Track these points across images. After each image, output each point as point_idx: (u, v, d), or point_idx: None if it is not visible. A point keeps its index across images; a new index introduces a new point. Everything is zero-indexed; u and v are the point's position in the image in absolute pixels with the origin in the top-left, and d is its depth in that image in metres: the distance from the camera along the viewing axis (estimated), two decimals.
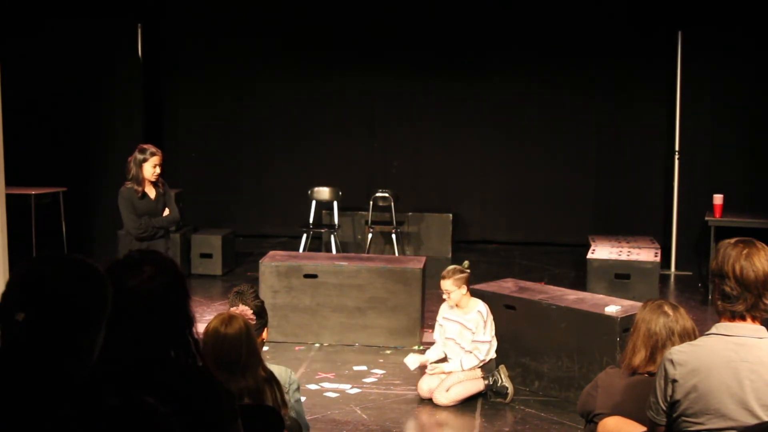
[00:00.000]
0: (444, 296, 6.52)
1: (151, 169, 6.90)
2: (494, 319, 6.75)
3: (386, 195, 11.01)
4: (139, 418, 2.01)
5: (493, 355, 6.53)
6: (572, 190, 11.80)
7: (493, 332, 6.52)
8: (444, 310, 6.63)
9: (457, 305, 6.51)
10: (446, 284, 6.44)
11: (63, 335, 2.00)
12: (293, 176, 11.92)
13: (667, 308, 3.67)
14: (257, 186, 12.20)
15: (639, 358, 3.63)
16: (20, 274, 2.05)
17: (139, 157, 6.92)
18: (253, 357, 3.56)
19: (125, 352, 2.31)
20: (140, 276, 2.35)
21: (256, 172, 12.19)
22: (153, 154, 6.92)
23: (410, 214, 11.57)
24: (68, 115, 11.12)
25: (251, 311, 4.12)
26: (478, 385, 6.43)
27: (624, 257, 9.03)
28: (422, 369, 6.64)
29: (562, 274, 10.38)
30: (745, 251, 3.07)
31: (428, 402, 6.45)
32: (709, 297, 8.73)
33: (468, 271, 6.54)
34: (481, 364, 6.46)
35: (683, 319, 3.65)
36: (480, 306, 6.50)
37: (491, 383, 6.41)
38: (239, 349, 3.52)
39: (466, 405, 6.37)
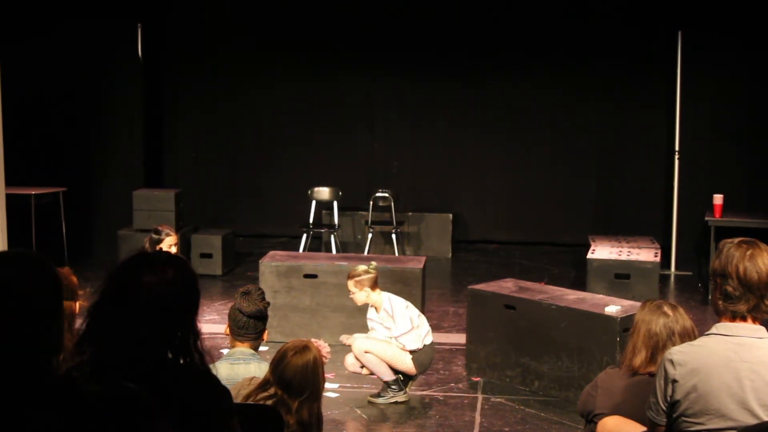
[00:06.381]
0: (350, 296, 6.38)
1: (166, 249, 6.91)
2: (494, 319, 6.73)
3: (386, 195, 11.01)
4: (120, 404, 1.99)
5: (424, 341, 6.32)
6: (572, 190, 11.79)
7: (414, 318, 6.31)
8: (370, 312, 6.47)
9: (375, 307, 6.38)
10: (349, 285, 6.30)
11: (26, 331, 1.97)
12: (293, 176, 11.91)
13: (666, 308, 3.67)
14: (257, 186, 12.19)
15: (639, 358, 3.63)
16: None
17: (154, 237, 6.96)
18: (310, 391, 3.60)
19: (127, 348, 2.31)
20: (161, 275, 2.35)
21: (256, 173, 12.19)
22: (168, 235, 6.95)
23: (410, 214, 11.56)
24: (68, 115, 11.13)
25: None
26: (400, 359, 6.28)
27: (624, 257, 9.03)
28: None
29: (562, 274, 10.38)
30: (748, 252, 3.07)
31: (427, 402, 6.45)
32: (709, 296, 8.73)
33: (373, 272, 6.32)
34: (416, 350, 6.29)
35: (683, 319, 3.65)
36: (385, 302, 6.33)
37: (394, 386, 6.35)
38: (299, 379, 3.58)
39: (466, 405, 6.37)
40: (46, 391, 1.94)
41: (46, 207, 10.39)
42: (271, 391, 3.58)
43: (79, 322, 2.47)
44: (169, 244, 6.94)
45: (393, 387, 6.34)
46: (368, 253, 10.60)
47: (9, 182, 7.56)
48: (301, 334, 7.69)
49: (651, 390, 3.18)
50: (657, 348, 3.59)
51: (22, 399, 1.93)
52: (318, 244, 11.11)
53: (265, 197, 12.18)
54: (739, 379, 3.03)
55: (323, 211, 11.41)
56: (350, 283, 6.31)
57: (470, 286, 7.28)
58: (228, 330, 4.33)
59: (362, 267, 6.35)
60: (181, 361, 2.38)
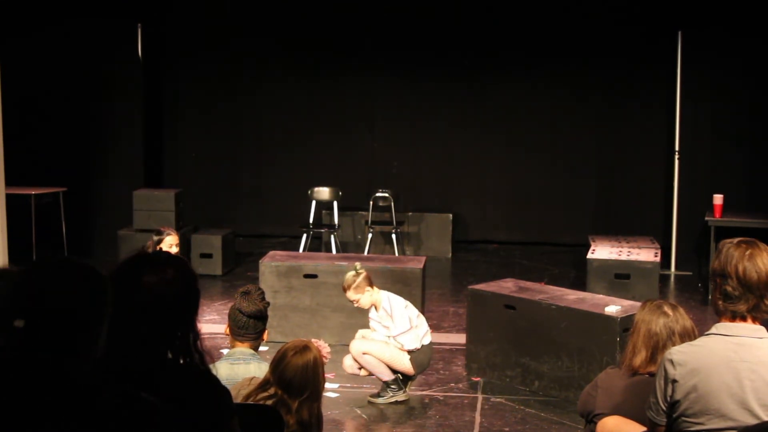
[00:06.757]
0: (355, 305, 6.37)
1: (167, 248, 6.92)
2: (494, 319, 6.71)
3: (386, 195, 11.01)
4: (138, 416, 2.01)
5: (423, 341, 6.32)
6: (572, 190, 11.79)
7: (413, 317, 6.32)
8: (371, 311, 6.46)
9: (374, 305, 6.37)
10: (349, 295, 6.28)
11: (63, 338, 2.01)
12: (293, 176, 11.91)
13: (666, 308, 3.67)
14: (257, 186, 12.19)
15: (639, 358, 3.63)
16: (19, 281, 2.05)
17: (155, 238, 6.96)
18: (310, 391, 3.60)
19: (127, 348, 2.31)
20: (161, 275, 2.35)
21: (256, 173, 12.19)
22: (168, 234, 6.95)
23: (410, 214, 11.56)
24: (68, 115, 11.13)
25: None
26: (398, 359, 6.28)
27: (624, 257, 9.03)
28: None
29: (562, 274, 10.38)
30: (748, 252, 3.07)
31: (427, 402, 6.45)
32: (709, 296, 8.73)
33: (363, 271, 6.32)
34: (414, 350, 6.30)
35: (683, 319, 3.65)
36: (384, 301, 6.33)
37: (393, 385, 6.34)
38: (299, 379, 3.57)
39: (466, 404, 6.37)
40: (63, 398, 1.95)
41: (46, 207, 10.39)
42: (271, 391, 3.58)
43: None
44: (169, 243, 6.94)
45: (392, 387, 6.34)
46: (368, 253, 10.60)
47: (9, 182, 7.56)
48: (301, 334, 7.69)
49: (651, 390, 3.18)
50: (657, 348, 3.59)
51: (43, 404, 1.94)
52: (318, 244, 11.11)
53: (265, 197, 12.18)
54: (739, 379, 3.03)
55: (323, 211, 11.41)
56: (350, 294, 6.28)
57: (470, 286, 7.28)
58: (228, 330, 4.33)
59: (350, 273, 6.32)
60: (181, 361, 2.38)
